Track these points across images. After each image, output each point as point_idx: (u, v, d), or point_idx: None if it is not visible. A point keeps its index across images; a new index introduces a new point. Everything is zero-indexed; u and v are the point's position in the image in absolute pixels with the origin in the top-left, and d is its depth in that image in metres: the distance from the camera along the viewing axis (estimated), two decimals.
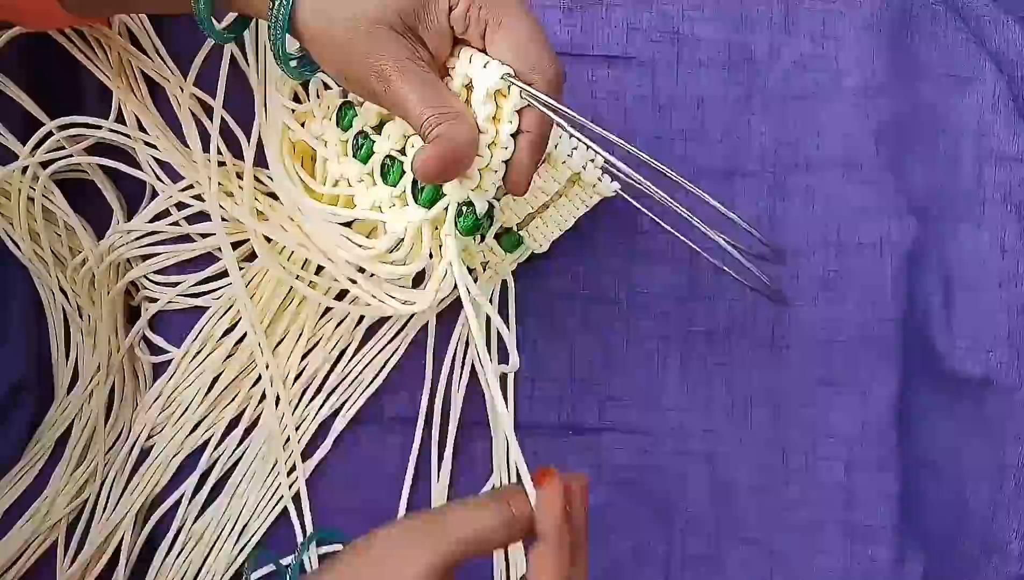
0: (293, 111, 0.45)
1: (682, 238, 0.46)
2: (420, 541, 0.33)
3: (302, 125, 0.44)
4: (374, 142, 0.40)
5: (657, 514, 0.51)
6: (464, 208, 0.38)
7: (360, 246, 0.43)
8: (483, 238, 0.48)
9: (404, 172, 0.39)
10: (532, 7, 0.49)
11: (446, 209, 0.38)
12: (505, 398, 0.50)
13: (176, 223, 0.49)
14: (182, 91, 0.47)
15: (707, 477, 0.51)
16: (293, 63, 0.39)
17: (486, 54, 0.36)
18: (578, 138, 0.37)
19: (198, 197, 0.48)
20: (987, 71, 0.53)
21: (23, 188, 0.47)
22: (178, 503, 0.49)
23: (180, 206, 0.49)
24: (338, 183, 0.43)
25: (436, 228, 0.39)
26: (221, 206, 0.47)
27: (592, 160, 0.48)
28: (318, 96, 0.44)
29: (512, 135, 0.36)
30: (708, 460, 0.51)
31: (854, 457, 0.51)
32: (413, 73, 0.35)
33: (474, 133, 0.36)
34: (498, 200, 0.42)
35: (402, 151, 0.40)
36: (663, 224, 0.46)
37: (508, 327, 0.49)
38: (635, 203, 0.49)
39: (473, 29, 0.36)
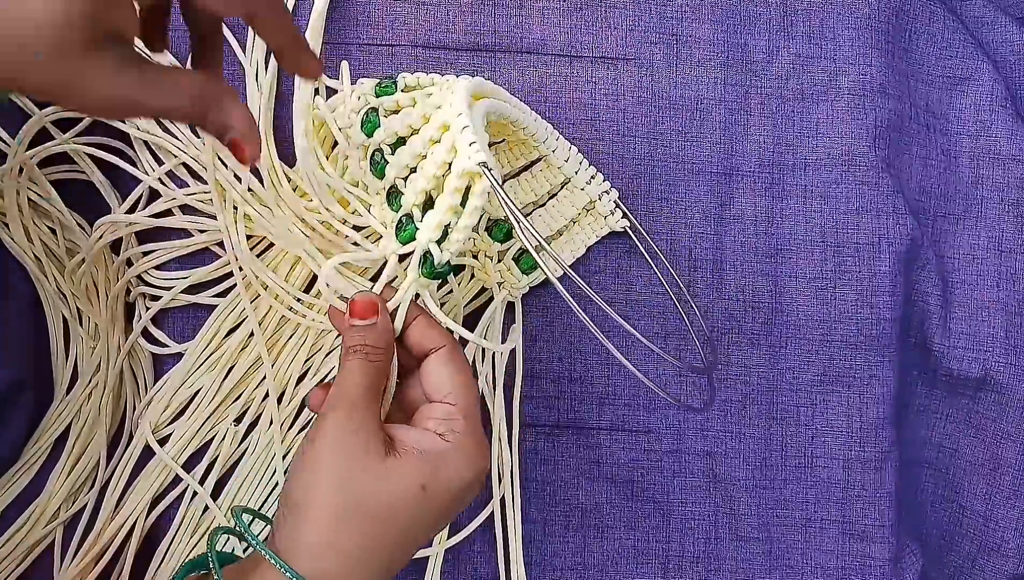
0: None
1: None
2: (350, 425, 0.36)
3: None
4: (387, 164, 0.41)
5: (655, 512, 0.52)
6: (426, 256, 0.39)
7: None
8: (445, 281, 0.49)
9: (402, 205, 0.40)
10: (532, 8, 0.50)
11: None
12: (509, 398, 0.50)
13: (170, 212, 0.48)
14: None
15: (705, 475, 0.52)
16: None
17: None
18: (520, 229, 0.36)
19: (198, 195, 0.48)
20: (984, 71, 0.53)
21: (20, 188, 0.47)
22: (178, 502, 0.49)
23: (185, 209, 0.49)
24: (358, 184, 0.44)
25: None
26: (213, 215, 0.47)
27: (607, 191, 0.50)
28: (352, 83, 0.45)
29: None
30: (706, 458, 0.52)
31: (851, 456, 0.52)
32: (153, 84, 0.31)
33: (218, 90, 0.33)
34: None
35: (406, 180, 0.40)
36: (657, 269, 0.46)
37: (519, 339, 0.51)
38: (639, 245, 0.50)
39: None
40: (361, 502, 0.34)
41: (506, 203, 0.35)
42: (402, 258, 0.40)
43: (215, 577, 0.35)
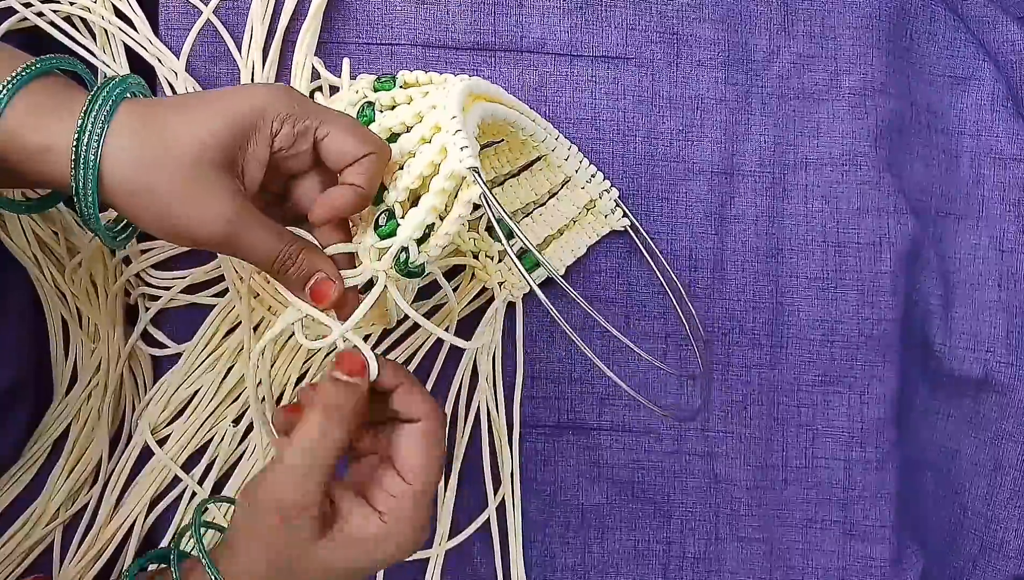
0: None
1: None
2: (292, 507, 0.35)
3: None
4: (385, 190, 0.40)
5: (656, 513, 0.51)
6: (402, 253, 0.38)
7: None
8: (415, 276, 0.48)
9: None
10: (532, 7, 0.50)
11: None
12: (509, 398, 0.50)
13: None
14: (176, 75, 0.47)
15: (706, 476, 0.51)
16: (109, 227, 0.37)
17: (314, 173, 0.38)
18: (508, 235, 0.36)
19: None
20: (985, 71, 0.53)
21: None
22: (178, 502, 0.49)
23: None
24: None
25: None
26: None
27: (607, 190, 0.50)
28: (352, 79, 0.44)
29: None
30: (707, 459, 0.51)
31: (853, 456, 0.51)
32: (251, 217, 0.35)
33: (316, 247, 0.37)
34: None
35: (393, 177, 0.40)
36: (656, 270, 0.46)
37: (517, 339, 0.50)
38: (639, 244, 0.50)
39: (300, 144, 0.36)
40: (285, 566, 0.35)
41: (494, 208, 0.35)
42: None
43: (173, 573, 0.35)
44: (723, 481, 0.51)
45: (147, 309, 0.49)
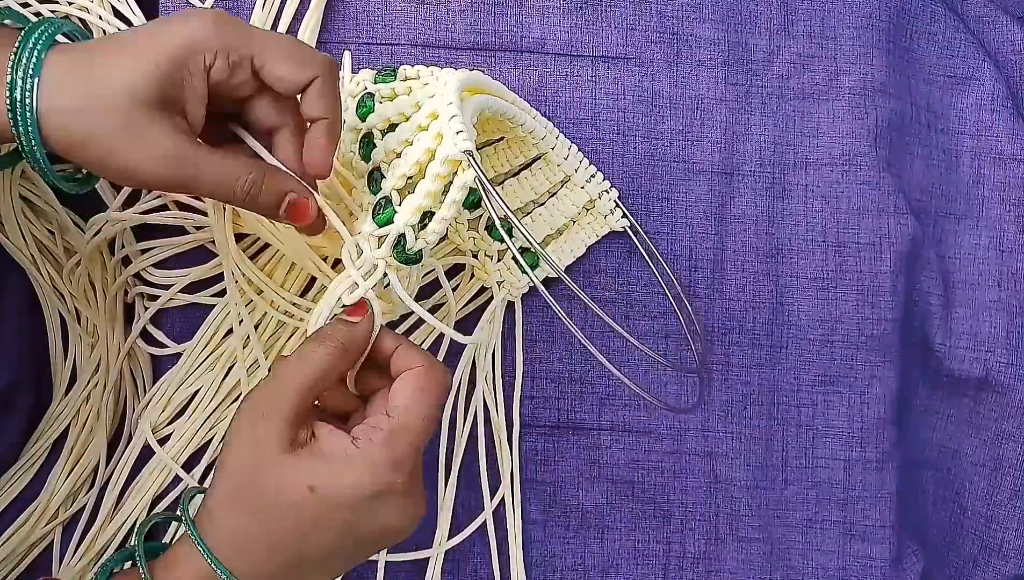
0: None
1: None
2: (266, 408, 0.35)
3: None
4: (375, 148, 0.40)
5: (656, 513, 0.51)
6: (400, 239, 0.38)
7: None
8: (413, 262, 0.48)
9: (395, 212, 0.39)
10: (532, 7, 0.49)
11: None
12: (509, 398, 0.50)
13: (165, 207, 0.48)
14: None
15: (706, 476, 0.51)
16: (63, 173, 0.37)
17: (254, 101, 0.37)
18: (506, 223, 0.37)
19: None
20: (985, 71, 0.53)
21: (14, 186, 0.47)
22: (178, 502, 0.49)
23: (180, 205, 0.48)
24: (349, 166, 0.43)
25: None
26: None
27: (607, 190, 0.50)
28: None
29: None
30: (707, 459, 0.51)
31: (852, 456, 0.51)
32: (199, 152, 0.35)
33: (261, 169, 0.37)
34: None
35: (390, 165, 0.40)
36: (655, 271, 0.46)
37: (516, 340, 0.50)
38: (639, 245, 0.50)
39: (238, 74, 0.35)
40: (250, 488, 0.34)
41: (490, 195, 0.35)
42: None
43: (140, 567, 0.35)
44: (723, 481, 0.51)
45: (146, 309, 0.49)
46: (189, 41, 0.34)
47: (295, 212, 0.37)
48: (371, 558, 0.49)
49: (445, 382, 0.37)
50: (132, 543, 0.37)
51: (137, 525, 0.40)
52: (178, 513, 0.37)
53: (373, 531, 0.35)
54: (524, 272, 0.38)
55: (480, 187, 0.36)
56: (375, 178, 0.40)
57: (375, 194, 0.40)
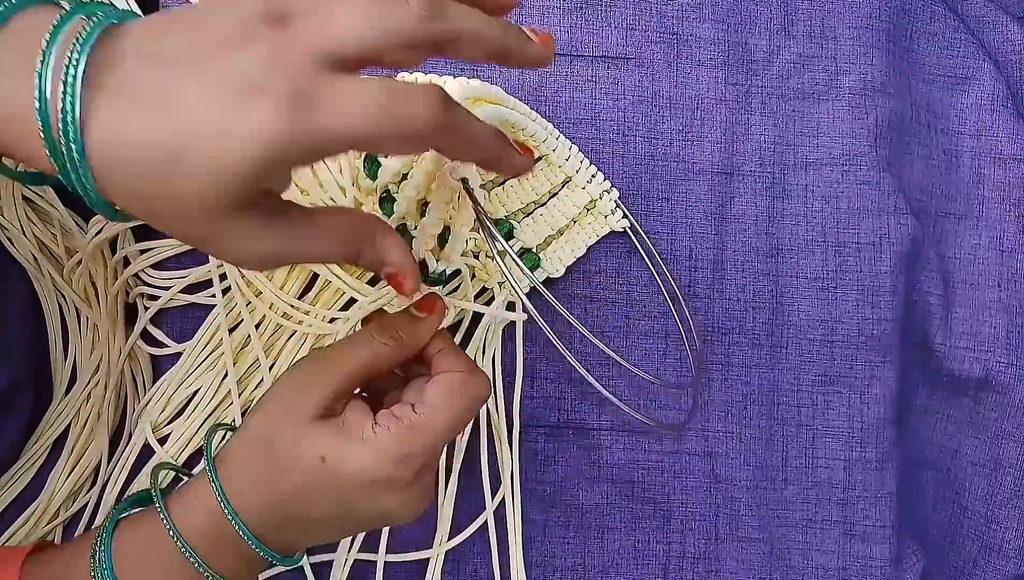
0: None
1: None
2: (308, 384, 0.36)
3: None
4: (381, 166, 0.41)
5: (656, 513, 0.51)
6: (423, 266, 0.39)
7: None
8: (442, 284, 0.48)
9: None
10: (532, 7, 0.49)
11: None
12: (509, 398, 0.50)
13: None
14: None
15: (706, 476, 0.51)
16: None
17: None
18: (494, 245, 0.37)
19: None
20: (985, 71, 0.53)
21: (16, 187, 0.47)
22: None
23: None
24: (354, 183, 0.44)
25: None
26: None
27: (608, 190, 0.50)
28: None
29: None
30: (707, 459, 0.51)
31: (852, 456, 0.51)
32: (296, 240, 0.30)
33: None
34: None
35: (399, 185, 0.41)
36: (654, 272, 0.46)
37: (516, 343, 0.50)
38: (639, 246, 0.50)
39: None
40: (270, 444, 0.35)
41: (483, 221, 0.36)
42: None
43: (157, 505, 0.36)
44: (723, 481, 0.51)
45: (146, 309, 0.49)
46: (258, 167, 0.26)
47: (394, 284, 0.34)
48: (371, 558, 0.49)
49: (482, 393, 0.37)
50: (136, 492, 0.38)
51: (153, 466, 0.40)
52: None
53: (371, 513, 0.36)
54: (517, 289, 0.38)
55: (478, 218, 0.36)
56: (386, 202, 0.41)
57: (388, 216, 0.40)
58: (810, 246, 0.51)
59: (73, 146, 0.25)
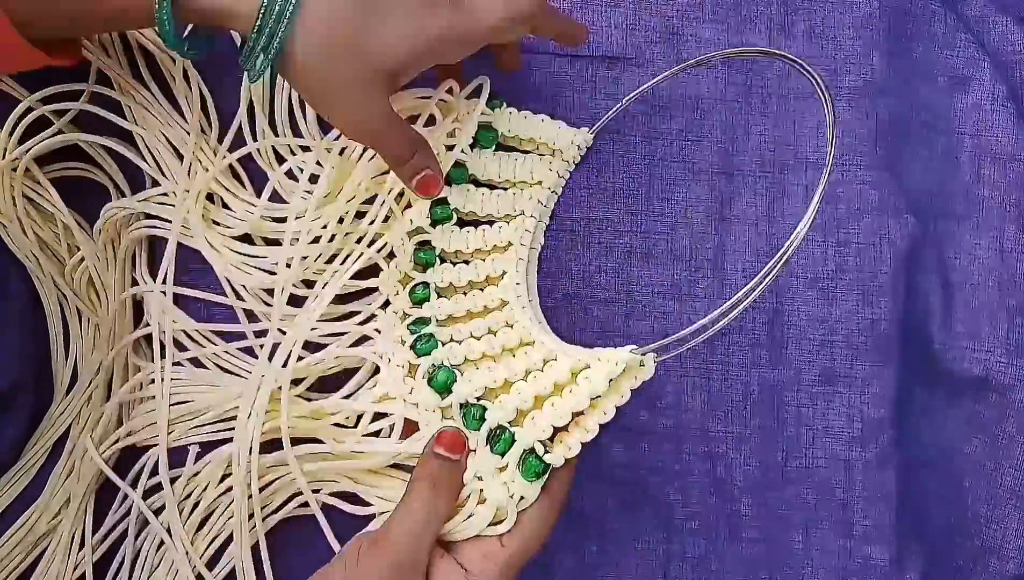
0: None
1: None
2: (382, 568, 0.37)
3: None
4: (484, 407, 0.41)
5: (657, 514, 0.51)
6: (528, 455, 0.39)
7: None
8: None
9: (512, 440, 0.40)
10: None
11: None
12: None
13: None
14: (175, 61, 0.47)
15: (706, 476, 0.51)
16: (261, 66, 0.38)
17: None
18: None
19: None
20: (985, 71, 0.53)
21: (16, 185, 0.47)
22: None
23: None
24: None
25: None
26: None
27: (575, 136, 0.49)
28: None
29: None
30: (707, 459, 0.51)
31: (852, 456, 0.51)
32: (396, 122, 0.41)
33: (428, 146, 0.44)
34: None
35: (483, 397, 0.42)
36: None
37: None
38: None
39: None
40: None
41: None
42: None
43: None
44: (723, 481, 0.51)
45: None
46: (433, 46, 0.39)
47: (423, 185, 0.43)
48: None
49: (557, 514, 0.40)
50: None
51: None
52: None
53: None
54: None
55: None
56: (473, 408, 0.41)
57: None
58: (810, 246, 0.51)
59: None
